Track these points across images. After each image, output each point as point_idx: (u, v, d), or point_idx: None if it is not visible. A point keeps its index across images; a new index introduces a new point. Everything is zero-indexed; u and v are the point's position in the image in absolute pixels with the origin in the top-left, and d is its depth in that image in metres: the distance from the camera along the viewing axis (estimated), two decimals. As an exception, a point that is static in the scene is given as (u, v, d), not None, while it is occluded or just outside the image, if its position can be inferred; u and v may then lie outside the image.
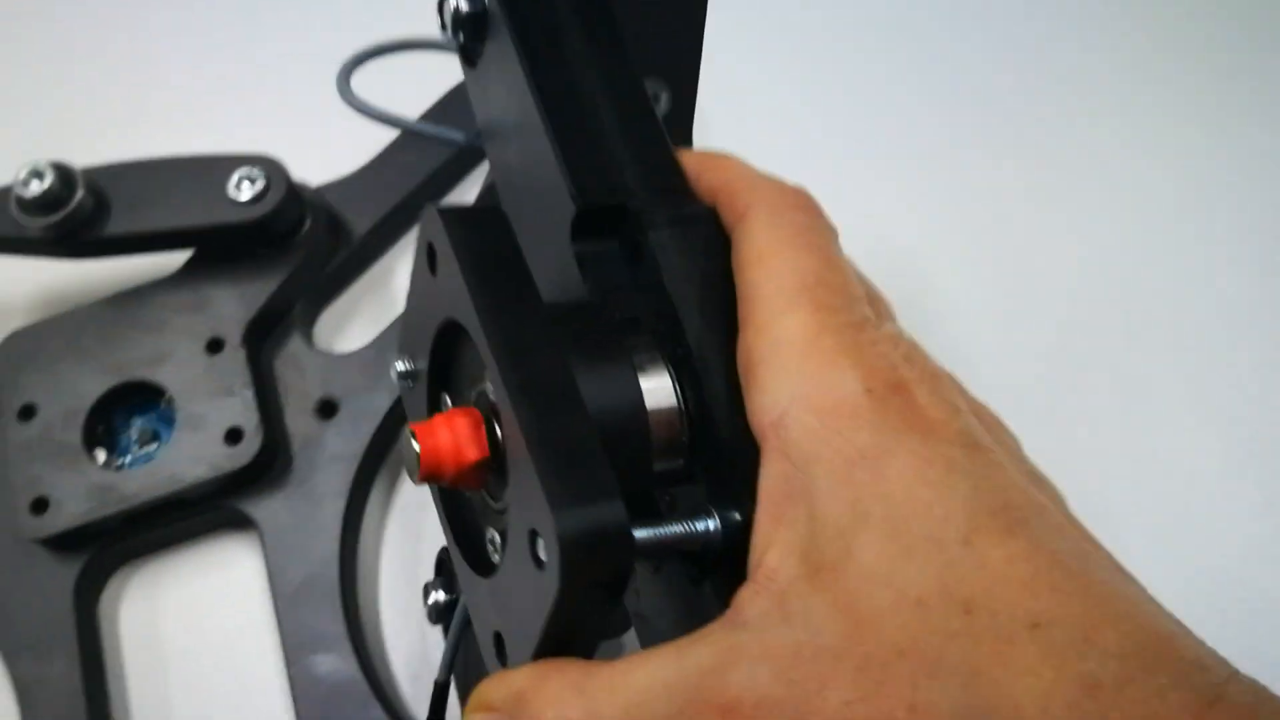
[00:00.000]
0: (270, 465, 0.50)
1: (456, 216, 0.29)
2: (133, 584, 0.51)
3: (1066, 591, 0.23)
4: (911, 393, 0.25)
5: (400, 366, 0.32)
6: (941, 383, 0.26)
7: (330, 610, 0.47)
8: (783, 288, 0.27)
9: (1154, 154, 0.62)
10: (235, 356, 0.51)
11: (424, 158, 0.58)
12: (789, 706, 0.23)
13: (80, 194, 0.51)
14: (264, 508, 0.49)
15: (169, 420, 0.50)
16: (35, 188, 0.50)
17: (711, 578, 0.27)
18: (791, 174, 0.32)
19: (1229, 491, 0.52)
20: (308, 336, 0.55)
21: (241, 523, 0.50)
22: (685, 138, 0.42)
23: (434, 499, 0.32)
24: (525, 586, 0.25)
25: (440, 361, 0.31)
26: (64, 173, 0.51)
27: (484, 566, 0.29)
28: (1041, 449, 0.30)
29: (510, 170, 0.35)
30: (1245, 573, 0.50)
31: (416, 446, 0.27)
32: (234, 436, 0.49)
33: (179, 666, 0.49)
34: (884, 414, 0.25)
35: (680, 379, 0.29)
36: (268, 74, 0.64)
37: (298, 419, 0.51)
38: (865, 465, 0.24)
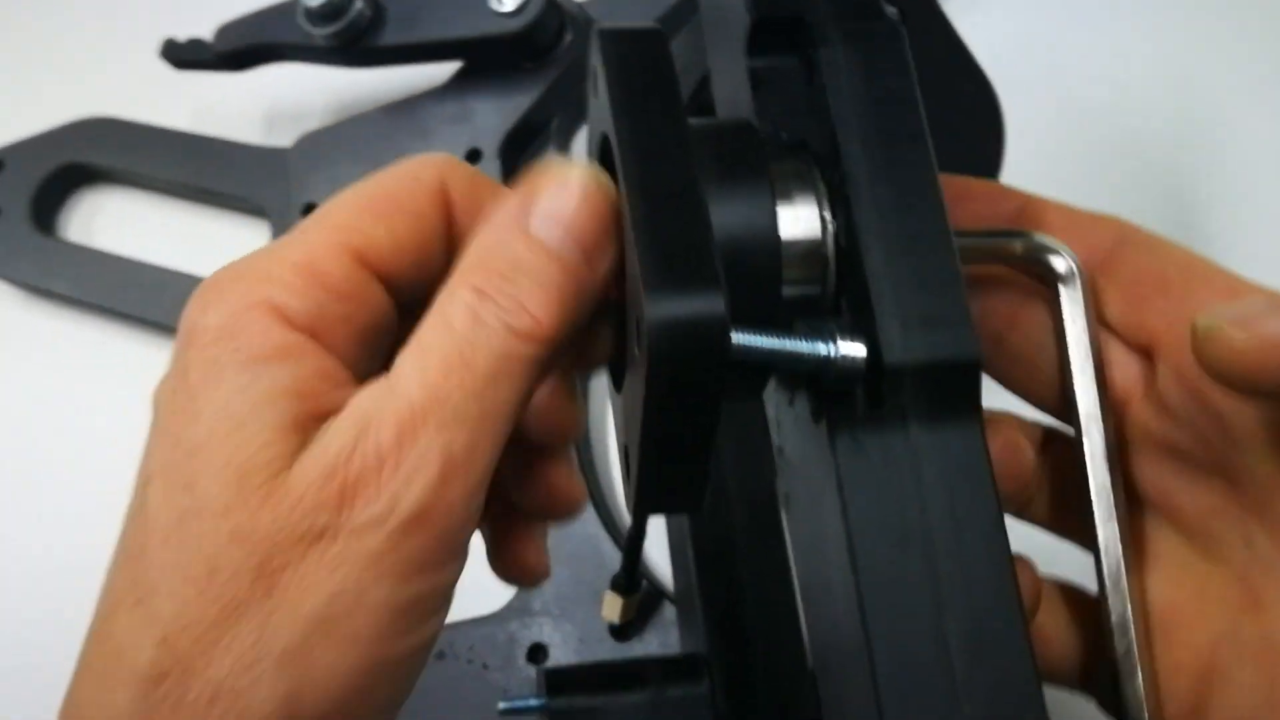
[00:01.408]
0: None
1: (614, 36, 0.28)
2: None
3: None
4: None
5: None
6: None
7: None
8: None
9: None
10: (491, 167, 0.53)
11: (689, -29, 0.56)
12: None
13: (358, 4, 0.54)
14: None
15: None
16: (318, -2, 0.53)
17: (829, 412, 0.26)
18: None
19: None
20: (565, 151, 0.56)
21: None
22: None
23: None
24: (636, 388, 0.25)
25: None
26: (344, -17, 0.54)
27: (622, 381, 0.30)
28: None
29: (707, -19, 0.34)
30: None
31: None
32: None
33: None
34: None
35: (834, 207, 0.27)
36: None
37: (546, 231, 0.53)
38: None
